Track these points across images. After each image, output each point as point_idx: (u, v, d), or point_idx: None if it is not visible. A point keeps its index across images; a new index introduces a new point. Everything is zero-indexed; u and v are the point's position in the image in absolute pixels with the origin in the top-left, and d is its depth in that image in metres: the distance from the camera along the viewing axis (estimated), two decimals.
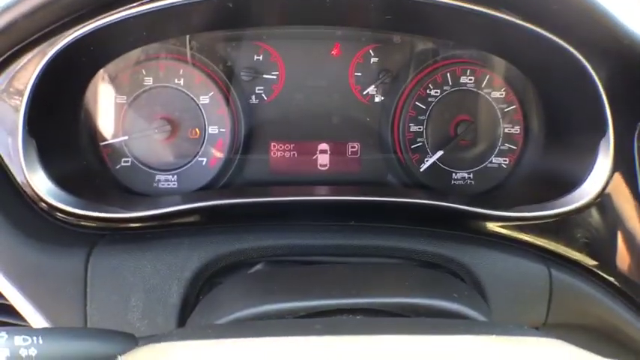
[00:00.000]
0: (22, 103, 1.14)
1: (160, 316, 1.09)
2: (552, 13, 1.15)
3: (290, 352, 0.72)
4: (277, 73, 1.40)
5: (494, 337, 0.79)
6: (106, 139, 1.39)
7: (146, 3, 1.10)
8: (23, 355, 0.89)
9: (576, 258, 1.30)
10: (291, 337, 0.74)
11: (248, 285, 1.05)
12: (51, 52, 1.14)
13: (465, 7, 1.16)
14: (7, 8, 0.96)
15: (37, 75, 1.14)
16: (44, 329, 1.00)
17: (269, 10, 1.28)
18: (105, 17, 1.10)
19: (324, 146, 1.45)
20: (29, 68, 1.14)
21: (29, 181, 1.17)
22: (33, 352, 0.89)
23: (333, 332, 0.77)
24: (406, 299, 0.95)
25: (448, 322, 0.92)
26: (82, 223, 1.21)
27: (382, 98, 1.43)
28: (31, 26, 1.02)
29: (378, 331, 0.77)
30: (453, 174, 1.47)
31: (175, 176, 1.40)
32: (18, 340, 0.90)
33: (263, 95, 1.42)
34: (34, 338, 0.91)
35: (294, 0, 1.23)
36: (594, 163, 1.25)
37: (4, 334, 0.91)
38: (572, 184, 1.28)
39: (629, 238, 1.28)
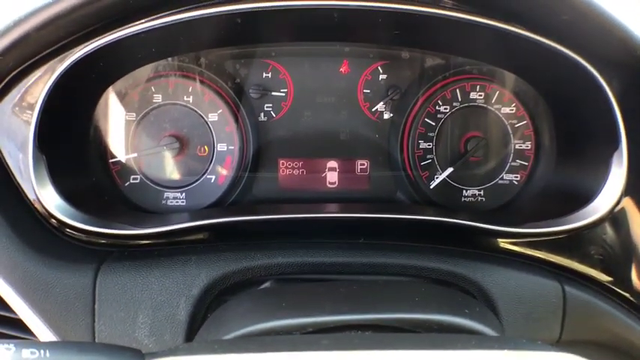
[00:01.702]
0: (33, 117, 1.15)
1: (168, 333, 1.09)
2: (562, 24, 1.14)
3: None
4: (286, 90, 1.40)
5: (506, 351, 0.77)
6: (115, 157, 1.41)
7: (154, 19, 1.10)
8: None
9: (590, 274, 1.28)
10: (297, 352, 0.73)
11: (256, 301, 1.04)
12: (61, 68, 1.15)
13: (474, 21, 1.15)
14: (20, 22, 0.97)
15: (48, 90, 1.16)
16: (51, 343, 0.99)
17: (277, 26, 1.28)
18: (114, 33, 1.11)
19: (332, 164, 1.44)
20: (40, 83, 1.15)
21: (39, 197, 1.17)
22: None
23: (341, 348, 0.75)
24: (416, 315, 0.93)
25: (459, 337, 0.90)
26: (91, 239, 1.22)
27: (391, 115, 1.42)
28: (43, 40, 1.03)
29: (386, 346, 0.75)
30: (464, 191, 1.46)
31: (184, 194, 1.40)
32: (25, 352, 0.89)
33: (272, 112, 1.42)
34: (42, 351, 0.90)
35: (302, 16, 1.21)
36: (607, 178, 1.23)
37: (11, 346, 0.91)
38: (584, 199, 1.26)
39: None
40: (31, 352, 0.91)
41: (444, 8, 1.14)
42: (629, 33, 1.05)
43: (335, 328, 0.92)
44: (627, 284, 1.27)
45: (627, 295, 1.27)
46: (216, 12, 1.12)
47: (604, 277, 1.27)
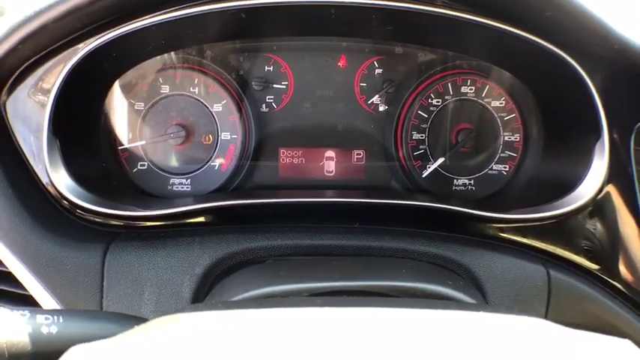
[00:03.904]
0: (48, 104, 1.19)
1: (173, 309, 1.11)
2: (546, 20, 1.18)
3: (292, 319, 0.75)
4: (287, 83, 1.44)
5: (482, 313, 0.82)
6: (123, 144, 1.45)
7: (164, 13, 1.15)
8: (44, 332, 0.94)
9: (575, 260, 1.31)
10: (294, 308, 0.79)
11: (255, 273, 1.09)
12: (76, 57, 1.18)
13: (462, 18, 1.20)
14: (39, 13, 1.03)
15: (63, 78, 1.20)
16: (64, 310, 1.05)
17: (278, 21, 1.32)
18: (127, 25, 1.16)
19: (330, 153, 1.48)
20: (55, 72, 1.19)
21: (52, 179, 1.21)
22: (54, 329, 0.94)
23: (333, 305, 0.80)
24: (401, 283, 0.99)
25: (441, 302, 0.95)
26: (101, 220, 1.26)
27: (386, 107, 1.46)
28: (60, 31, 1.09)
29: (373, 305, 0.82)
30: (455, 180, 1.49)
31: (189, 180, 1.45)
32: (40, 318, 0.95)
33: (273, 104, 1.46)
34: (55, 317, 0.96)
35: (303, 11, 1.25)
36: (590, 167, 1.27)
37: (26, 312, 0.96)
38: (569, 187, 1.30)
39: (626, 240, 1.30)
40: (45, 318, 0.97)
41: (433, 5, 1.16)
42: (607, 27, 1.09)
43: (327, 294, 0.98)
44: (611, 270, 1.31)
45: (611, 280, 1.30)
46: (223, 7, 1.15)
47: (588, 263, 1.30)
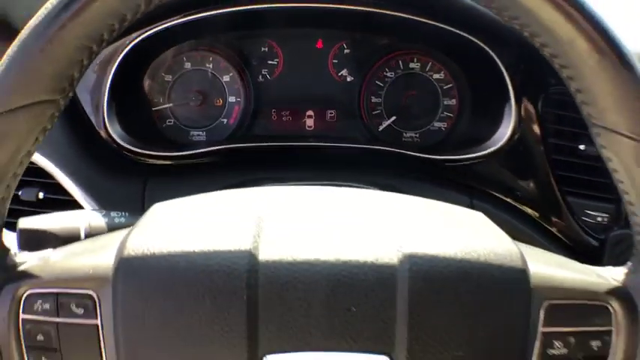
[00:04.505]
0: (108, 77, 1.40)
1: None
2: (461, 13, 1.39)
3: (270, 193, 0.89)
4: (278, 60, 1.63)
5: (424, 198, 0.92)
6: (156, 105, 1.62)
7: (194, 13, 1.41)
8: (115, 221, 1.08)
9: (492, 192, 1.47)
10: (270, 185, 1.07)
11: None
12: (131, 44, 1.39)
13: (391, 15, 1.43)
14: None
15: (120, 58, 1.40)
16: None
17: (272, 20, 1.57)
18: (179, 18, 1.42)
19: (310, 113, 1.67)
20: (115, 53, 1.40)
21: (108, 130, 1.42)
22: (122, 219, 1.09)
23: (306, 183, 0.98)
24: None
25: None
26: (142, 159, 1.45)
27: (352, 78, 1.64)
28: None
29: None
30: (404, 133, 1.66)
31: (204, 132, 1.65)
32: (113, 213, 1.11)
33: (267, 76, 1.63)
34: (124, 213, 1.12)
35: (288, 15, 1.53)
36: (502, 123, 1.46)
37: (100, 210, 1.10)
38: (489, 139, 1.47)
39: (533, 178, 1.48)
40: (117, 213, 1.11)
41: (368, 6, 1.41)
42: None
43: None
44: (522, 201, 1.46)
45: (521, 207, 1.45)
46: (233, 10, 1.42)
47: (502, 196, 1.46)
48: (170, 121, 1.65)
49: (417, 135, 1.68)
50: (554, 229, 1.45)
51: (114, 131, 1.45)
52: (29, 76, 0.70)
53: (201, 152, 1.51)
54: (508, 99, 1.44)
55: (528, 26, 0.72)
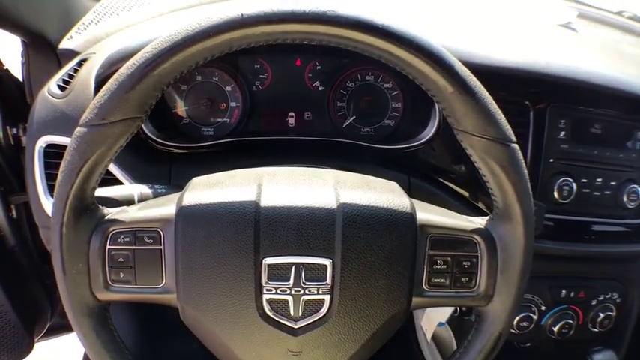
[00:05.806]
0: None
1: None
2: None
3: None
4: (267, 74, 1.84)
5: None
6: (175, 108, 1.83)
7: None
8: (159, 192, 1.36)
9: (426, 173, 1.71)
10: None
11: None
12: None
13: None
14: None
15: None
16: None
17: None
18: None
19: (291, 114, 1.91)
20: None
21: (143, 128, 1.62)
22: (162, 190, 1.37)
23: None
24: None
25: None
26: (167, 148, 1.67)
27: (323, 87, 1.85)
28: None
29: None
30: (362, 129, 1.91)
31: (212, 128, 1.87)
32: (156, 186, 1.39)
33: (259, 86, 1.84)
34: (164, 186, 1.39)
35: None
36: (430, 122, 1.72)
37: (147, 184, 1.33)
38: (422, 132, 1.69)
39: (465, 165, 1.72)
40: (159, 186, 1.37)
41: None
42: None
43: None
44: (459, 181, 1.71)
45: (456, 188, 1.71)
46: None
47: (434, 175, 1.71)
48: (186, 120, 1.86)
49: (372, 130, 1.90)
50: (480, 205, 1.69)
51: (147, 130, 1.66)
52: (125, 102, 0.99)
53: (211, 144, 1.73)
54: (433, 103, 1.66)
55: (409, 73, 1.04)
